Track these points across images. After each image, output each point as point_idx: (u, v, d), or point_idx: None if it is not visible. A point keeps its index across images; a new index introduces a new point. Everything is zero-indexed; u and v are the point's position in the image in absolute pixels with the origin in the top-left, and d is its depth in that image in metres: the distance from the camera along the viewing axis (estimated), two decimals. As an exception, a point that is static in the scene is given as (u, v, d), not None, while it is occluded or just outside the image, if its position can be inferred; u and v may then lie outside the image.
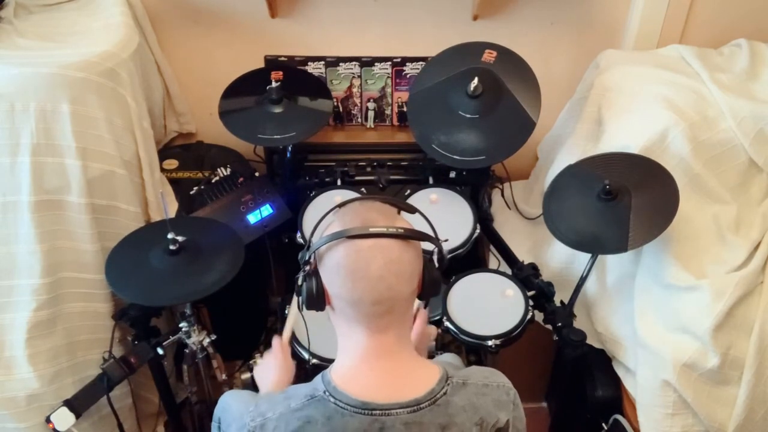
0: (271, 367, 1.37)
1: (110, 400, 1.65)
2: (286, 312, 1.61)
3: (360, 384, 1.01)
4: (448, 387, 1.04)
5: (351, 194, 1.92)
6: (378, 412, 0.99)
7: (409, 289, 1.04)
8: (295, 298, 1.52)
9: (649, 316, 1.64)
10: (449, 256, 1.73)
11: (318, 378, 1.05)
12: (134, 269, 1.57)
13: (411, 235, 1.02)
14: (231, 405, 1.13)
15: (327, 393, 1.01)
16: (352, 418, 0.99)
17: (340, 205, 1.09)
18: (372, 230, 0.99)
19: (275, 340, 1.42)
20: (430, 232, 1.11)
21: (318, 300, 1.05)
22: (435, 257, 1.12)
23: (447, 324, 1.66)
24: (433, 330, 1.56)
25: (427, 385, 1.02)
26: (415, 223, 1.08)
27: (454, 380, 1.05)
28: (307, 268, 1.06)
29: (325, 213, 1.10)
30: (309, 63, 2.06)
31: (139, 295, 1.55)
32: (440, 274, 1.11)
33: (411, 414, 0.99)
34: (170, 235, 1.54)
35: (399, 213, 1.12)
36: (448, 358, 1.57)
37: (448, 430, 1.01)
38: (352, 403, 0.99)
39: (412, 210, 1.14)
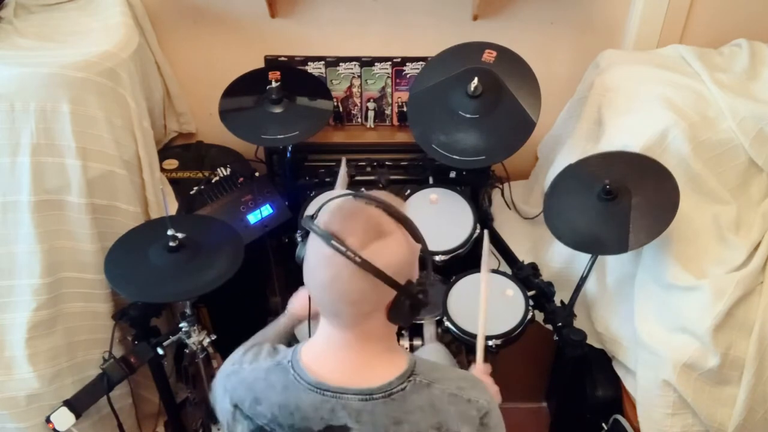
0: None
1: (110, 400, 1.65)
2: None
3: (319, 364, 1.03)
4: (409, 384, 1.02)
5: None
6: (329, 393, 1.01)
7: (359, 311, 0.99)
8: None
9: (649, 316, 1.64)
10: (449, 256, 1.76)
11: (293, 347, 1.07)
12: (134, 266, 1.57)
13: (370, 270, 0.93)
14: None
15: (290, 363, 1.04)
16: (305, 393, 1.02)
17: (351, 191, 1.05)
18: (333, 242, 0.93)
19: None
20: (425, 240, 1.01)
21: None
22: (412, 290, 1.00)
23: (447, 324, 1.66)
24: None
25: (384, 378, 1.02)
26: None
27: (418, 378, 1.03)
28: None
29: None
30: (309, 63, 2.06)
31: (139, 292, 1.56)
32: (414, 310, 1.01)
33: (362, 402, 1.00)
34: (170, 232, 1.54)
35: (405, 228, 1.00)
36: (433, 347, 1.58)
37: (400, 426, 1.01)
38: (307, 380, 1.02)
39: (413, 229, 1.02)
